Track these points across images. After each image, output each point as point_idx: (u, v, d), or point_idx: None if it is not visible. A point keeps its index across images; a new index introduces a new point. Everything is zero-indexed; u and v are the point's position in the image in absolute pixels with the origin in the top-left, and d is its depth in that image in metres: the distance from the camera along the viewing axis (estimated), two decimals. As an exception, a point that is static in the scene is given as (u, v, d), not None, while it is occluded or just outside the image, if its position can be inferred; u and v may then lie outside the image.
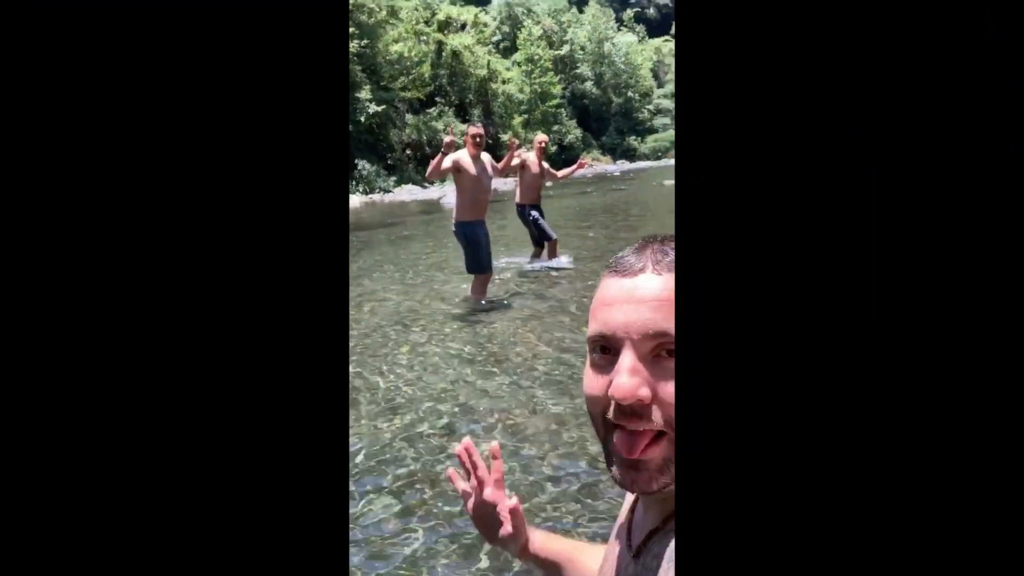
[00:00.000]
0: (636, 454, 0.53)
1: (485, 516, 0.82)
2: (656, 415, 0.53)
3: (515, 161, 5.20)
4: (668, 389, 0.53)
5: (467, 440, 0.84)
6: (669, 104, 37.67)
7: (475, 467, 0.82)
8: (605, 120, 34.66)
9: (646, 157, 33.28)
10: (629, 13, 43.53)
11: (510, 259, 6.04)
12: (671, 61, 39.88)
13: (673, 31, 41.71)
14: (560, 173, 6.22)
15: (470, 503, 0.82)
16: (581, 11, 36.84)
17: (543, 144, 5.87)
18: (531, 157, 5.69)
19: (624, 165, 29.72)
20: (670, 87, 38.84)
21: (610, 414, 0.54)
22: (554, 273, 5.37)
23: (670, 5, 44.53)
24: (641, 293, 0.55)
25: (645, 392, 0.53)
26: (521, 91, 27.37)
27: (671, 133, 35.76)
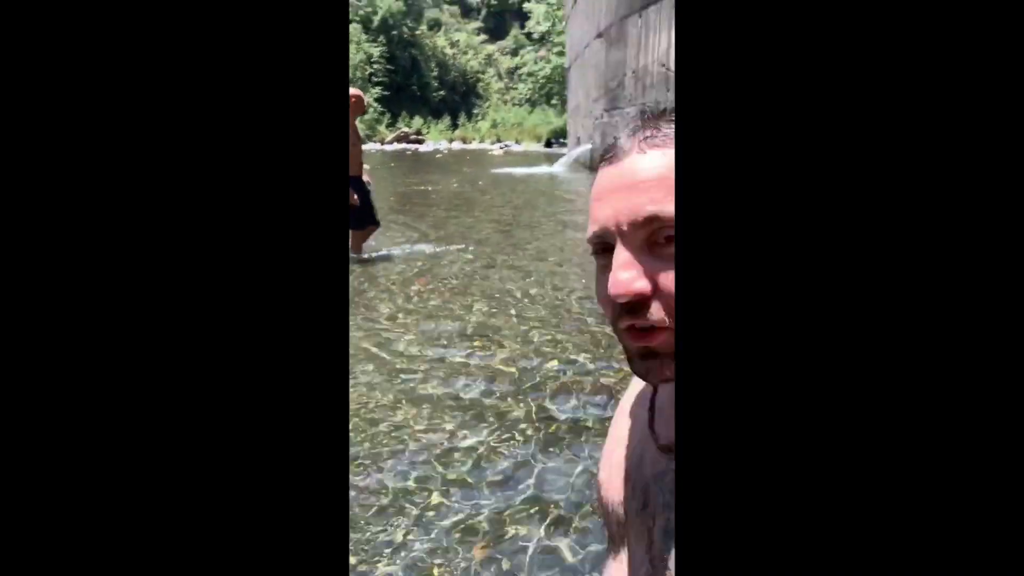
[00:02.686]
0: (644, 343, 0.50)
1: None
2: (656, 308, 0.49)
3: None
4: (669, 278, 0.48)
5: None
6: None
7: None
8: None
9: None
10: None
11: None
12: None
13: (345, 15, 41.55)
14: None
15: None
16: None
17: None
18: None
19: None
20: (346, 72, 38.41)
21: (617, 315, 0.50)
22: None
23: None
24: (628, 178, 0.50)
25: (642, 285, 0.49)
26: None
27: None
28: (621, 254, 0.49)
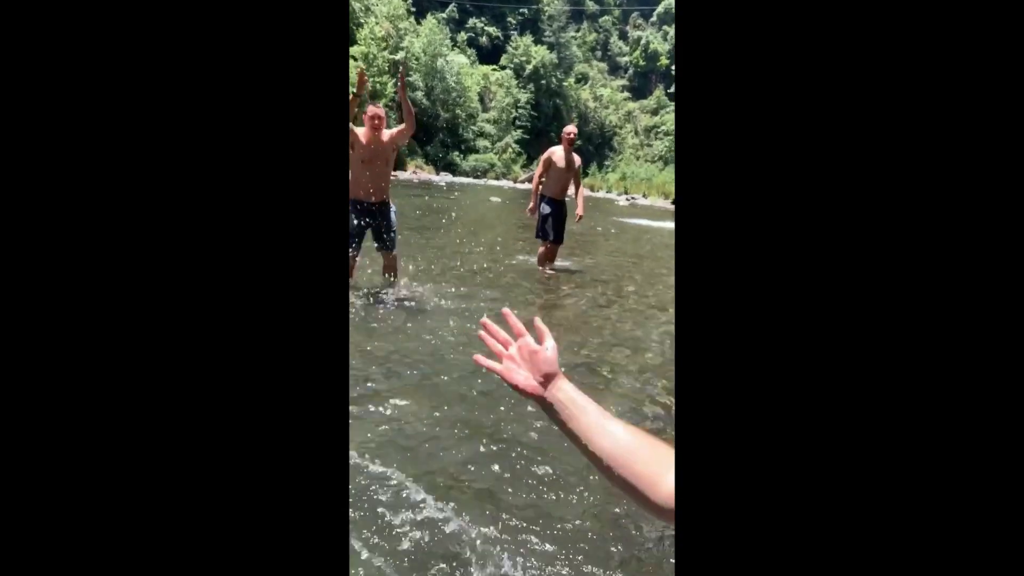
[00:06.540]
0: None
1: (527, 365, 0.72)
2: None
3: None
4: None
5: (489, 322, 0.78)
6: (491, 129, 40.02)
7: (509, 337, 0.76)
8: (432, 131, 35.73)
9: (466, 174, 35.02)
10: (463, 36, 45.45)
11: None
12: (496, 89, 42.44)
13: (501, 62, 44.82)
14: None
15: (511, 374, 0.72)
16: (419, 22, 37.77)
17: (572, 136, 5.37)
18: (558, 151, 5.38)
19: (447, 177, 31.00)
20: (494, 113, 41.26)
21: None
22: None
23: (501, 38, 47.34)
24: None
25: None
26: (353, 85, 27.15)
27: (490, 156, 38.09)
28: None
